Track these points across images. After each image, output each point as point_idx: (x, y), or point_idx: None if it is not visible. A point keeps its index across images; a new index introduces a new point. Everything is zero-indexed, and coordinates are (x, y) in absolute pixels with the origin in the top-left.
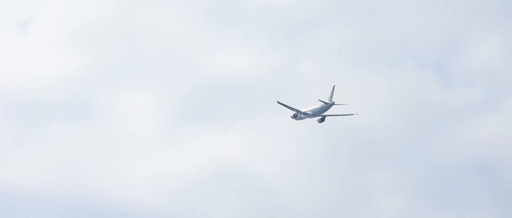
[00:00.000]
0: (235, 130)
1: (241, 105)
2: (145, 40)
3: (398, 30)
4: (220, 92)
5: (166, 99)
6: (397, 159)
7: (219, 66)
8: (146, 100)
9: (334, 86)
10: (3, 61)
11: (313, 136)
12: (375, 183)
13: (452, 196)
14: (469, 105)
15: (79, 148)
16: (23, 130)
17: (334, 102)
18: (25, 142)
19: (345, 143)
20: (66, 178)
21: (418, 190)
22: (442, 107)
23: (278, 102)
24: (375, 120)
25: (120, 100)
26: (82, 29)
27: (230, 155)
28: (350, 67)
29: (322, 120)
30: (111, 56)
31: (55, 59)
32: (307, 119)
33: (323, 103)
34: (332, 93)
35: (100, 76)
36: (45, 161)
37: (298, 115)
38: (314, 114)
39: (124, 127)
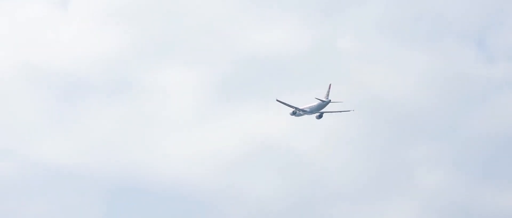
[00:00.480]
0: (275, 106)
1: (281, 81)
2: (184, 18)
3: (438, 4)
4: (259, 68)
5: (206, 76)
6: (437, 133)
7: (259, 42)
8: (186, 77)
9: (330, 84)
10: (44, 40)
11: (355, 109)
12: (416, 158)
13: (493, 169)
14: (510, 79)
15: (120, 126)
16: (64, 107)
17: (330, 100)
18: (66, 120)
19: (385, 118)
20: (108, 155)
21: (459, 164)
22: (482, 81)
23: (277, 100)
24: (415, 94)
25: (161, 78)
26: (122, 7)
27: (270, 131)
28: (389, 42)
29: (320, 116)
30: (151, 34)
31: (95, 37)
32: (306, 116)
33: (320, 101)
34: (328, 92)
35: (140, 54)
36: (86, 138)
37: (296, 112)
38: (312, 111)
39: (165, 104)
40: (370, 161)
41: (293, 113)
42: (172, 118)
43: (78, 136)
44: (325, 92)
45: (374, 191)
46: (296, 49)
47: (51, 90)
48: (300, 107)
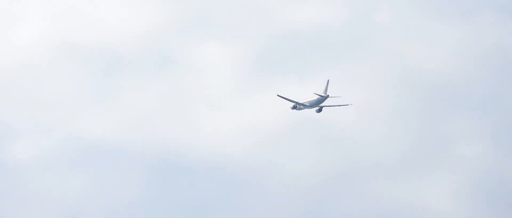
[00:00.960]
0: (312, 79)
1: (317, 56)
2: None
3: None
4: (296, 43)
5: (243, 51)
6: (476, 105)
7: (296, 17)
8: (224, 52)
9: (328, 80)
10: (84, 16)
11: (392, 83)
12: (454, 130)
13: None
14: None
15: (158, 101)
16: (104, 84)
17: (328, 95)
18: (106, 96)
19: (423, 91)
20: (147, 130)
21: (497, 136)
22: None
23: (278, 95)
24: (453, 67)
25: (199, 53)
26: None
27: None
28: (426, 16)
29: (319, 110)
30: (190, 9)
31: (135, 14)
32: (306, 110)
33: (319, 96)
34: (326, 87)
35: (179, 29)
36: (126, 114)
37: (297, 106)
38: (311, 105)
39: (203, 79)
40: (407, 134)
41: (294, 107)
42: (211, 93)
43: (118, 112)
44: (324, 88)
45: (412, 165)
46: (333, 23)
47: (91, 67)
48: (300, 102)
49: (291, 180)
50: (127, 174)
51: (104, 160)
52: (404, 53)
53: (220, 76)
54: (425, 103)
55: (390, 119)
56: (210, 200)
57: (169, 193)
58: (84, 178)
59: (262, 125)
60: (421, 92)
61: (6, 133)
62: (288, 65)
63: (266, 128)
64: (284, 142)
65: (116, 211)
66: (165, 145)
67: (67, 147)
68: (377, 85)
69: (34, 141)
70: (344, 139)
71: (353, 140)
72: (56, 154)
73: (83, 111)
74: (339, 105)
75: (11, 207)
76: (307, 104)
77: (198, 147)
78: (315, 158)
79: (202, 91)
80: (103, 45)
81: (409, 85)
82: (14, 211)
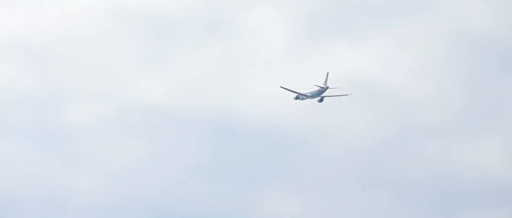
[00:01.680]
0: (365, 42)
1: (369, 18)
2: None
3: None
4: (347, 5)
5: (295, 14)
6: None
7: None
8: (275, 15)
9: (327, 73)
10: None
11: (443, 44)
12: (509, 91)
13: None
14: None
15: (211, 65)
16: (156, 48)
17: (328, 86)
18: (158, 60)
19: (476, 52)
20: (199, 95)
21: None
22: None
23: (281, 87)
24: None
25: (251, 17)
26: None
27: (360, 67)
28: None
29: (321, 100)
30: None
31: None
32: (308, 100)
33: (319, 87)
34: (326, 79)
35: None
36: (179, 78)
37: (299, 97)
38: (313, 96)
39: (255, 43)
40: (462, 95)
41: (297, 98)
42: (262, 57)
43: (171, 77)
44: (324, 80)
45: (466, 127)
46: None
47: (144, 32)
48: (302, 92)
49: (344, 142)
50: (182, 139)
51: (158, 125)
52: (459, 12)
53: (272, 40)
54: (480, 63)
55: (444, 80)
56: (264, 164)
57: (223, 157)
58: (140, 143)
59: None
60: (476, 52)
61: (62, 99)
62: (340, 28)
63: None
64: (336, 104)
65: (171, 175)
66: (219, 109)
67: (122, 112)
68: (430, 46)
69: (89, 108)
70: (398, 100)
71: (407, 101)
72: (112, 120)
73: (137, 77)
74: (339, 96)
75: (69, 174)
76: (309, 95)
77: (252, 110)
78: (370, 120)
79: (254, 55)
80: (156, 10)
81: (463, 45)
82: (72, 177)
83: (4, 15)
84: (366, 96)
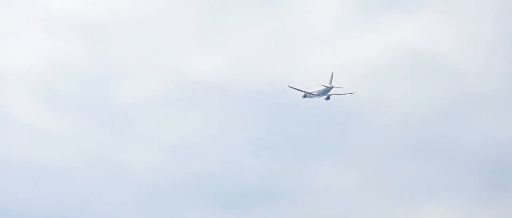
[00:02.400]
0: (417, 14)
1: None
2: None
3: None
4: None
5: None
6: None
7: None
8: None
9: (332, 73)
10: None
11: (493, 13)
12: None
13: None
14: None
15: (264, 39)
16: (210, 22)
17: (332, 86)
18: (212, 34)
19: None
20: (254, 69)
21: None
22: None
23: (289, 86)
24: None
25: None
26: None
27: (413, 39)
28: None
29: (327, 98)
30: None
31: None
32: (315, 98)
33: (325, 87)
34: (331, 79)
35: None
36: (234, 53)
37: (307, 95)
38: (319, 94)
39: (309, 16)
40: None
41: (304, 96)
42: (316, 31)
43: (225, 51)
44: (329, 79)
45: None
46: None
47: (198, 7)
48: (309, 91)
49: (397, 113)
50: (237, 114)
51: (213, 100)
52: None
53: (326, 13)
54: None
55: (495, 49)
56: (318, 137)
57: (278, 130)
58: (194, 119)
59: (368, 61)
60: None
61: (117, 75)
62: (392, 1)
63: (371, 62)
64: (389, 76)
65: (226, 151)
66: (273, 83)
67: (177, 88)
68: (481, 16)
69: (144, 84)
70: (450, 71)
71: (461, 72)
72: (166, 95)
73: (192, 52)
74: (344, 94)
75: (124, 148)
76: (316, 93)
77: (305, 84)
78: (422, 91)
79: (308, 29)
80: None
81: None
82: (126, 152)
83: None
84: (419, 67)
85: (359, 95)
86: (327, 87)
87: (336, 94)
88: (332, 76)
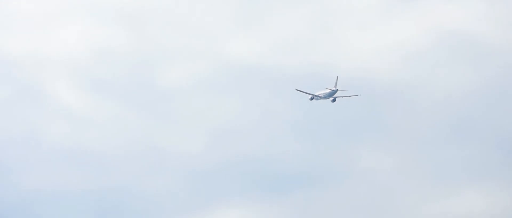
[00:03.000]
0: None
1: None
2: None
3: None
4: None
5: None
6: None
7: None
8: None
9: (337, 77)
10: None
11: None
12: None
13: None
14: None
15: (305, 22)
16: (250, 6)
17: (337, 89)
18: (253, 18)
19: None
20: (295, 52)
21: None
22: None
23: (296, 89)
24: None
25: None
26: None
27: (453, 20)
28: None
29: (333, 100)
30: None
31: None
32: (321, 100)
33: (330, 90)
34: (336, 82)
35: None
36: (275, 37)
37: (314, 98)
38: (325, 97)
39: None
40: None
41: (311, 98)
42: (356, 13)
43: (266, 35)
44: (334, 83)
45: None
46: None
47: None
48: (316, 94)
49: (440, 94)
50: (277, 96)
51: (254, 83)
52: None
53: None
54: None
55: None
56: (359, 119)
57: (320, 114)
58: (235, 102)
59: (408, 43)
60: None
61: (159, 59)
62: None
63: (412, 46)
64: (431, 58)
65: (268, 133)
66: (313, 66)
67: (219, 71)
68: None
69: (185, 68)
70: (491, 53)
71: (499, 54)
72: (209, 78)
73: (233, 36)
74: (349, 96)
75: (166, 133)
76: (322, 96)
77: (346, 66)
78: (461, 72)
79: (348, 12)
80: None
81: None
82: (169, 137)
83: None
84: (460, 48)
85: (400, 77)
86: (333, 90)
87: (342, 97)
88: (337, 79)
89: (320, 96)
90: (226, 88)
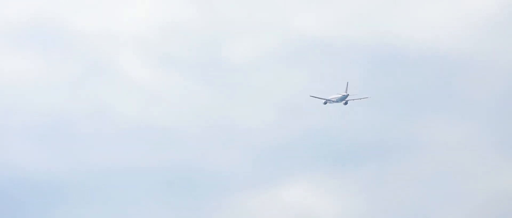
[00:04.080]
0: None
1: None
2: None
3: None
4: None
5: None
6: None
7: None
8: None
9: (347, 82)
10: None
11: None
12: None
13: None
14: None
15: None
16: None
17: (348, 94)
18: None
19: None
20: (365, 25)
21: None
22: None
23: (311, 96)
24: None
25: None
26: None
27: None
28: None
29: (345, 103)
30: None
31: None
32: (335, 104)
33: (342, 94)
34: (346, 87)
35: None
36: (344, 10)
37: (327, 102)
38: (337, 101)
39: None
40: None
41: (325, 103)
42: None
43: (334, 8)
44: (345, 88)
45: None
46: None
47: None
48: (329, 98)
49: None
50: (344, 69)
51: (322, 56)
52: None
53: None
54: None
55: None
56: (429, 90)
57: (389, 85)
58: (304, 75)
59: (477, 16)
60: None
61: (227, 34)
62: None
63: (483, 18)
64: (502, 32)
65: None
66: (380, 38)
67: (287, 45)
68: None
69: (255, 41)
70: None
71: None
72: (277, 52)
73: (300, 9)
74: (359, 98)
75: (235, 107)
76: (335, 100)
77: (413, 38)
78: None
79: None
80: None
81: None
82: (237, 111)
83: None
84: None
85: (471, 49)
86: (344, 95)
87: (353, 100)
88: (347, 85)
89: (332, 101)
90: (294, 62)
